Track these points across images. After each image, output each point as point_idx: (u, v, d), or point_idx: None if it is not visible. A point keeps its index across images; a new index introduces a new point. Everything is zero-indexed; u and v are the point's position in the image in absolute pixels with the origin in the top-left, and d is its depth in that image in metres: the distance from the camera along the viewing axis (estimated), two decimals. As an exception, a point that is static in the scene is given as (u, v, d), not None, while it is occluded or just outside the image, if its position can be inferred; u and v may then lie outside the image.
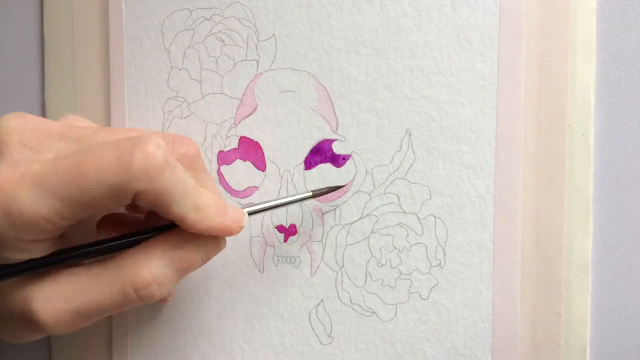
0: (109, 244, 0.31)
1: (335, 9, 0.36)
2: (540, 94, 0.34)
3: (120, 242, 0.31)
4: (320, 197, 0.37)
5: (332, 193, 0.36)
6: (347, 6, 0.36)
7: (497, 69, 0.34)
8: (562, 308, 0.34)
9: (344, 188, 0.36)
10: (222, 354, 0.38)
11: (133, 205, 0.31)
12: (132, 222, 0.36)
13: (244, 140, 0.38)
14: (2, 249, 0.28)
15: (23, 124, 0.30)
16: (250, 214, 0.33)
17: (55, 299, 0.30)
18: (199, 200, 0.30)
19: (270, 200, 0.34)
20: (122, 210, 0.36)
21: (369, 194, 0.36)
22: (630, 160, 0.34)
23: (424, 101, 0.35)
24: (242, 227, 0.32)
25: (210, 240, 0.32)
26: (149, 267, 0.30)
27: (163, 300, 0.38)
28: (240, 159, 0.38)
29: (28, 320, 0.30)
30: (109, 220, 0.35)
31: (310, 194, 0.35)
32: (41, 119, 0.31)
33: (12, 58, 0.42)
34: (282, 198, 0.34)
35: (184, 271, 0.31)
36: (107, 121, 0.39)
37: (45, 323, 0.29)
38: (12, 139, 0.29)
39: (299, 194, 0.35)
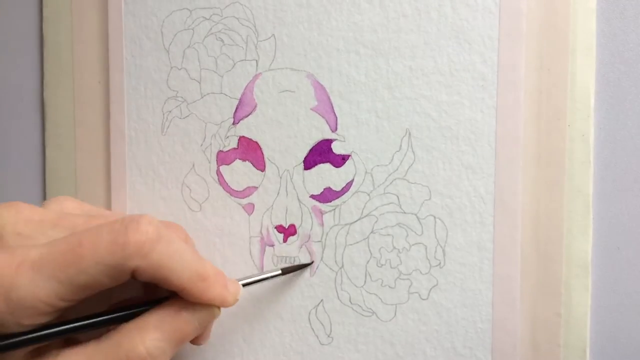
0: (104, 318, 0.31)
1: (335, 9, 0.36)
2: (540, 94, 0.34)
3: (114, 316, 0.31)
4: (319, 197, 0.37)
5: (331, 193, 0.36)
6: (347, 6, 0.36)
7: (497, 69, 0.34)
8: (562, 308, 0.34)
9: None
10: (222, 354, 0.38)
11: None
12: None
13: (243, 140, 0.38)
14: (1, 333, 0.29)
15: (15, 215, 0.31)
16: (244, 285, 0.34)
17: None
18: (204, 270, 0.31)
19: (253, 276, 0.35)
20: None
21: (369, 194, 0.36)
22: (630, 160, 0.34)
23: (424, 101, 0.35)
24: (237, 300, 0.33)
25: (204, 309, 0.32)
26: (143, 341, 0.30)
27: (196, 343, 0.36)
28: (240, 159, 0.38)
29: None
30: None
31: (280, 271, 0.36)
32: (32, 207, 0.32)
33: (12, 57, 0.42)
34: (256, 275, 0.35)
35: (178, 342, 0.31)
36: (107, 121, 0.39)
37: None
38: (6, 230, 0.30)
39: (271, 272, 0.36)
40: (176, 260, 0.30)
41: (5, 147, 0.42)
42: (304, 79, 0.37)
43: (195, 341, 0.34)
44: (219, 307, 0.33)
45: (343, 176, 0.36)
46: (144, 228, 0.29)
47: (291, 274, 0.37)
